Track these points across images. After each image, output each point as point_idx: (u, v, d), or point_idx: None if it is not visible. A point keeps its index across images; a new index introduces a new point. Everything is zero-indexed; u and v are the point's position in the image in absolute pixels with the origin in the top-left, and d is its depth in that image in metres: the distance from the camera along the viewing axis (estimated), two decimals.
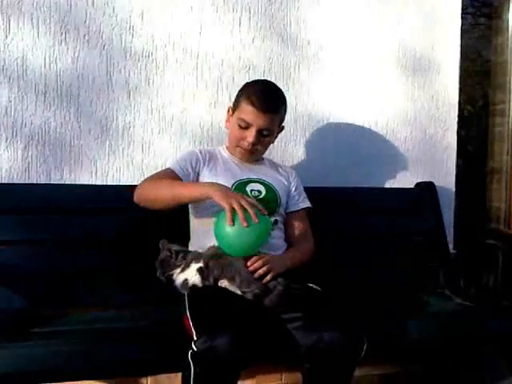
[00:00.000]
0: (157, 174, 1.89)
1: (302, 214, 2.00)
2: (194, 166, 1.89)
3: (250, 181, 1.91)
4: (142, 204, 1.81)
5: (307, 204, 2.01)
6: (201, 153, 1.94)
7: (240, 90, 1.92)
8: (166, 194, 1.76)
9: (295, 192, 2.01)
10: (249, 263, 1.65)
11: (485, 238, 2.38)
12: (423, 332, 1.84)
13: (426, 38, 2.51)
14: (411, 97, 2.50)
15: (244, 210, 1.59)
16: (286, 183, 2.00)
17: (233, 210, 1.59)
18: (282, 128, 2.00)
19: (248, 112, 1.84)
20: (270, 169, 2.02)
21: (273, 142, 2.00)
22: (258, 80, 2.03)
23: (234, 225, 1.60)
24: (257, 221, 1.58)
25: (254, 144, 1.88)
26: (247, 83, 1.96)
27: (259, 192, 1.90)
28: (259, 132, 1.86)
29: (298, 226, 1.96)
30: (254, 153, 1.94)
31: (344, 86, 2.40)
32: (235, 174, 1.92)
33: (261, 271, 1.64)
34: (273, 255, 1.77)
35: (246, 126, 1.86)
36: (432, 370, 2.38)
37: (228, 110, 1.96)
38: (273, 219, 1.84)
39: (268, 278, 1.63)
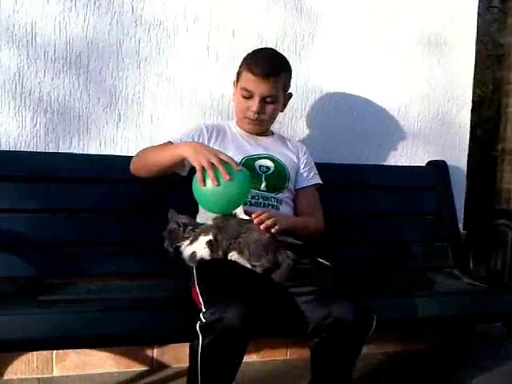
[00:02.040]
0: (155, 145, 1.88)
1: (311, 191, 1.97)
2: (197, 140, 1.86)
3: (260, 157, 1.89)
4: (133, 172, 1.84)
5: (317, 180, 1.99)
6: (207, 128, 1.92)
7: (242, 60, 1.91)
8: (150, 161, 1.79)
9: (305, 168, 1.98)
10: (253, 215, 1.63)
11: (495, 219, 2.35)
12: (431, 311, 1.84)
13: (442, 16, 2.45)
14: (425, 74, 2.46)
15: (215, 167, 1.57)
16: (295, 159, 1.97)
17: (203, 169, 1.57)
18: (290, 96, 1.98)
19: (248, 80, 1.83)
20: (279, 144, 1.99)
21: (282, 111, 1.98)
22: (260, 48, 1.99)
23: (204, 185, 1.58)
24: (228, 177, 1.56)
25: (258, 112, 1.86)
26: (248, 53, 1.93)
27: (268, 168, 1.87)
28: (262, 99, 1.84)
29: (307, 202, 1.94)
30: (262, 122, 1.91)
31: (358, 61, 2.36)
32: (244, 149, 1.90)
33: (269, 222, 1.61)
34: (277, 212, 1.77)
35: (249, 96, 1.84)
36: (439, 349, 2.38)
37: (233, 84, 1.94)
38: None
39: (273, 230, 1.61)
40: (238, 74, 1.90)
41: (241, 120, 1.93)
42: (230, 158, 1.63)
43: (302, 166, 1.98)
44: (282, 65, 1.89)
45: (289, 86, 1.95)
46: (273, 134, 2.03)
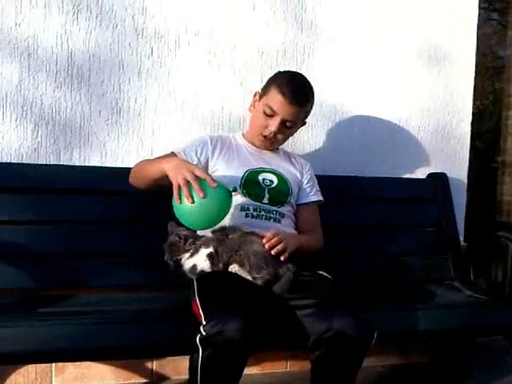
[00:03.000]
0: (152, 158, 1.88)
1: (312, 207, 1.98)
2: (199, 153, 1.87)
3: (263, 170, 1.89)
4: (131, 183, 1.85)
5: (319, 197, 1.99)
6: (211, 140, 1.92)
7: (272, 78, 1.92)
8: (142, 173, 1.79)
9: (307, 184, 1.98)
10: (264, 240, 1.62)
11: (495, 231, 2.35)
12: (432, 324, 1.83)
13: (442, 29, 2.47)
14: (426, 87, 2.47)
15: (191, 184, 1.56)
16: (298, 175, 1.97)
17: (179, 187, 1.57)
18: (305, 123, 1.99)
19: (277, 100, 1.83)
20: (283, 159, 2.00)
21: (292, 135, 1.99)
22: (292, 71, 2.00)
23: (180, 202, 1.58)
24: (201, 195, 1.55)
25: (275, 133, 1.86)
26: (279, 72, 1.95)
27: (271, 182, 1.88)
28: (283, 122, 1.84)
29: (308, 219, 1.95)
30: (274, 142, 1.92)
31: (357, 73, 2.37)
32: (248, 162, 1.90)
33: (279, 247, 1.61)
34: (285, 232, 1.76)
35: (272, 114, 1.84)
36: (439, 361, 2.37)
37: (255, 95, 1.94)
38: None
39: (282, 258, 1.61)
40: (266, 89, 1.89)
41: (254, 135, 1.93)
42: (206, 174, 1.61)
43: (305, 182, 1.98)
44: (310, 94, 1.90)
45: (309, 114, 1.96)
46: (277, 149, 2.03)
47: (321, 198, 1.99)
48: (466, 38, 2.51)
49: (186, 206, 1.58)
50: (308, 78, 1.91)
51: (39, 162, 2.02)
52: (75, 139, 2.06)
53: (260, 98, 1.90)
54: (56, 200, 1.93)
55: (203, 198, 1.55)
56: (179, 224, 1.74)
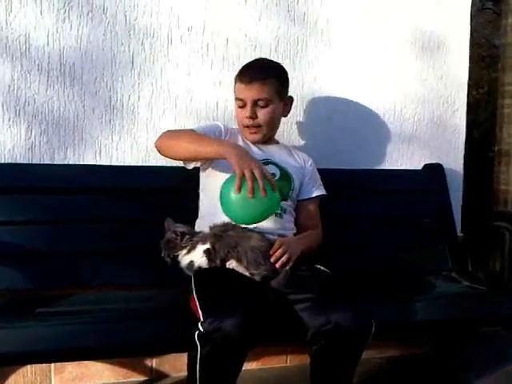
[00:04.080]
0: (188, 131, 1.85)
1: (315, 202, 1.98)
2: (216, 136, 1.87)
3: (267, 162, 1.88)
4: (161, 150, 1.82)
5: (322, 192, 1.99)
6: (224, 128, 1.93)
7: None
8: (186, 144, 1.75)
9: (310, 179, 1.98)
10: (271, 252, 1.64)
11: (492, 221, 2.35)
12: (430, 315, 1.84)
13: (436, 18, 2.45)
14: (420, 77, 2.46)
15: (255, 179, 1.55)
16: (301, 170, 1.97)
17: (243, 177, 1.55)
18: (291, 100, 1.99)
19: (239, 89, 1.88)
20: (285, 153, 2.00)
21: (285, 116, 1.99)
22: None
23: (240, 193, 1.55)
24: (264, 195, 1.54)
25: (252, 117, 1.86)
26: None
27: (274, 175, 1.86)
28: (254, 104, 1.85)
29: (309, 214, 1.95)
30: (260, 128, 1.90)
31: (352, 65, 2.36)
32: (253, 154, 1.89)
33: (284, 259, 1.63)
34: (289, 238, 1.78)
35: (243, 104, 1.87)
36: (438, 353, 2.38)
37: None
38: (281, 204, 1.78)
39: (287, 267, 1.63)
40: (234, 88, 1.93)
41: (243, 131, 1.94)
42: (272, 176, 1.62)
43: (308, 178, 1.98)
44: (268, 69, 1.91)
45: (285, 91, 1.96)
46: (278, 142, 2.03)
47: (324, 192, 1.99)
48: (460, 28, 2.50)
49: (243, 199, 1.56)
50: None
51: (33, 162, 2.01)
52: (69, 138, 2.05)
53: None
54: (51, 199, 1.92)
55: (264, 197, 1.55)
56: (176, 221, 1.74)
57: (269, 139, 1.97)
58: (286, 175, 1.90)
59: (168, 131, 1.85)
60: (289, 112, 2.00)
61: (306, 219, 1.94)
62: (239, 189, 1.54)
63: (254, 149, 1.92)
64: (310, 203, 1.96)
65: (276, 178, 1.85)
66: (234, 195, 1.57)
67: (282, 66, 1.97)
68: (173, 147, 1.79)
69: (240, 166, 1.56)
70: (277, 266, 1.62)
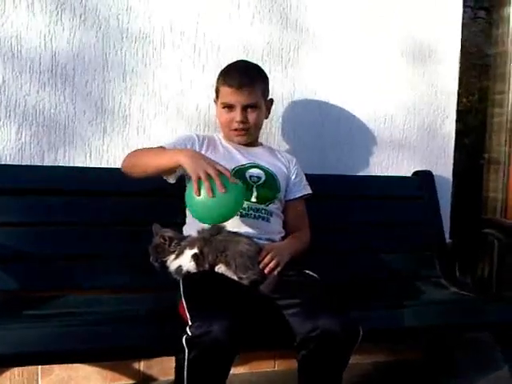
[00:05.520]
0: (150, 147, 1.88)
1: (300, 202, 1.99)
2: (189, 147, 1.87)
3: (251, 165, 1.90)
4: (127, 171, 1.81)
5: (307, 191, 2.00)
6: (198, 138, 1.93)
7: (217, 78, 1.94)
8: (146, 160, 1.77)
9: (296, 179, 1.99)
10: (260, 259, 1.65)
11: (481, 228, 2.37)
12: (418, 321, 1.83)
13: (427, 27, 2.47)
14: (410, 84, 2.47)
15: (212, 179, 1.57)
16: (285, 170, 1.98)
17: (200, 180, 1.57)
18: (271, 101, 2.01)
19: (228, 94, 1.87)
20: (269, 155, 2.00)
21: (266, 118, 2.00)
22: (230, 63, 2.00)
23: (200, 195, 1.58)
24: (223, 191, 1.56)
25: (243, 122, 1.88)
26: (221, 70, 1.96)
27: (258, 178, 1.88)
28: (244, 108, 1.87)
29: (296, 213, 1.96)
30: (248, 131, 1.92)
31: (343, 72, 2.37)
32: (235, 159, 1.91)
33: (271, 265, 1.65)
34: (277, 244, 1.79)
35: (231, 108, 1.87)
36: (427, 358, 2.39)
37: (214, 102, 1.98)
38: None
39: (275, 272, 1.65)
40: (217, 91, 1.93)
41: (228, 134, 1.94)
42: (227, 169, 1.63)
43: (293, 177, 1.99)
44: (255, 73, 1.93)
45: (268, 92, 1.98)
46: (262, 144, 2.04)
47: (309, 191, 2.00)
48: (451, 37, 2.51)
49: (205, 200, 1.58)
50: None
51: (23, 163, 2.01)
52: (59, 140, 2.05)
53: (217, 101, 1.93)
54: (40, 201, 1.92)
55: (224, 193, 1.56)
56: (163, 225, 1.74)
57: (252, 141, 1.98)
58: (271, 177, 1.90)
59: (131, 152, 1.85)
60: (269, 113, 2.02)
61: (294, 219, 1.94)
62: (198, 191, 1.57)
63: (237, 154, 1.93)
64: (298, 202, 1.97)
65: (261, 182, 1.87)
66: (196, 199, 1.60)
67: (262, 69, 1.99)
68: (136, 166, 1.80)
69: (194, 169, 1.59)
70: (265, 271, 1.64)
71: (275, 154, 2.04)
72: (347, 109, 2.39)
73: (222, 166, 1.63)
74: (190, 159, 1.63)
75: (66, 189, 1.95)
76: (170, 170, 1.77)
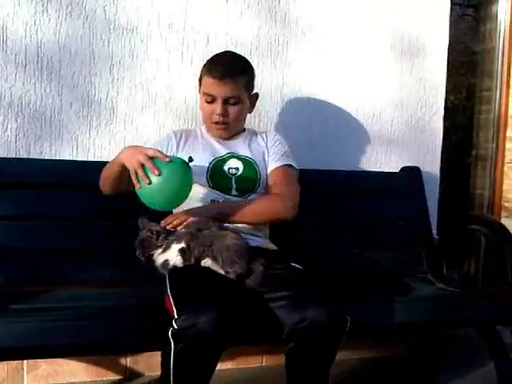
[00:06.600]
0: None
1: (279, 172, 1.90)
2: (165, 149, 1.85)
3: (230, 157, 1.88)
4: (103, 190, 1.82)
5: (284, 162, 1.92)
6: (175, 134, 1.93)
7: (201, 68, 1.91)
8: (105, 175, 1.78)
9: (272, 154, 1.93)
10: (162, 222, 1.71)
11: (468, 224, 2.38)
12: (405, 316, 1.84)
13: (416, 23, 2.47)
14: (399, 80, 2.48)
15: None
16: (265, 151, 1.95)
17: (136, 172, 1.57)
18: (256, 96, 1.96)
19: (209, 84, 1.84)
20: (248, 140, 1.96)
21: (250, 112, 1.97)
22: (216, 53, 1.97)
23: (140, 186, 1.58)
24: (156, 172, 1.55)
25: (223, 115, 1.85)
26: (207, 60, 1.93)
27: (237, 169, 1.87)
28: (225, 101, 1.83)
29: (274, 183, 1.88)
30: (228, 125, 1.89)
31: (332, 67, 2.37)
32: (214, 151, 1.90)
33: (175, 222, 1.71)
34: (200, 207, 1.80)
35: (212, 100, 1.84)
36: (415, 354, 2.39)
37: (198, 92, 1.94)
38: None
39: (181, 227, 1.70)
40: (200, 81, 1.90)
41: (209, 126, 1.93)
42: (157, 151, 1.60)
43: (271, 152, 1.94)
44: (239, 65, 1.89)
45: (252, 86, 1.94)
46: (244, 130, 2.00)
47: (288, 162, 1.92)
48: (439, 33, 2.52)
49: (146, 188, 1.58)
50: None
51: (9, 156, 1.98)
52: (46, 132, 2.03)
53: (200, 91, 1.90)
54: (26, 194, 1.90)
55: (159, 175, 1.55)
56: (150, 219, 1.72)
57: (234, 135, 1.96)
58: (250, 166, 1.89)
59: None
60: (253, 108, 1.98)
61: (272, 187, 1.88)
62: (138, 183, 1.58)
63: (216, 144, 1.92)
64: (276, 172, 1.90)
65: (239, 173, 1.86)
66: (140, 190, 1.61)
67: (249, 62, 1.94)
68: (104, 181, 1.80)
69: (129, 163, 1.60)
70: (168, 227, 1.69)
71: (256, 137, 1.99)
72: (335, 103, 2.38)
73: (153, 149, 1.62)
74: (126, 154, 1.63)
75: (53, 182, 1.93)
76: (126, 176, 1.70)
